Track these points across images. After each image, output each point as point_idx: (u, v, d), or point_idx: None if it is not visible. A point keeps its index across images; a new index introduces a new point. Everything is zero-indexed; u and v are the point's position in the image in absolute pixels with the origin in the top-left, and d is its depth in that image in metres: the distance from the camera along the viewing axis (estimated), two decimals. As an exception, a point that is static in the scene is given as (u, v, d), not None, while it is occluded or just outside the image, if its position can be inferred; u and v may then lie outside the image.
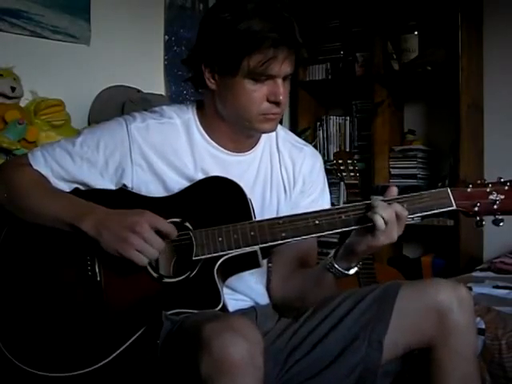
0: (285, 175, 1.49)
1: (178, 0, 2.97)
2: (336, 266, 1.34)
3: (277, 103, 1.33)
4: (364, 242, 1.28)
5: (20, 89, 2.21)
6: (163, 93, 2.86)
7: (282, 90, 1.33)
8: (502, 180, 1.35)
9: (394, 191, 1.32)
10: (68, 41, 2.49)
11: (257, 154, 1.47)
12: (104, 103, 2.50)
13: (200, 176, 1.39)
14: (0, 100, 2.16)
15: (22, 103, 2.27)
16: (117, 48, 2.68)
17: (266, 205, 1.46)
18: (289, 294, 1.47)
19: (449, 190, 1.34)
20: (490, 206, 1.33)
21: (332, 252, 1.36)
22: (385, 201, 1.29)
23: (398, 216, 1.25)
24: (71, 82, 2.47)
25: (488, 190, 1.34)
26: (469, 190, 1.34)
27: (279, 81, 1.32)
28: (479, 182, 1.36)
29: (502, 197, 1.33)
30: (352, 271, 1.35)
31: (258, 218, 1.34)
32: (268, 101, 1.33)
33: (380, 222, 1.24)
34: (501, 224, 1.33)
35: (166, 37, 2.93)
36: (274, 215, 1.44)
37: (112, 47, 2.65)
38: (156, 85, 2.85)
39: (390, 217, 1.24)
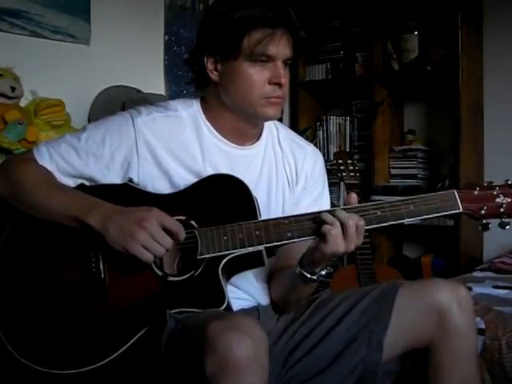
0: (288, 171, 1.50)
1: (178, 0, 2.97)
2: (302, 272, 1.33)
3: (279, 85, 1.35)
4: (318, 249, 1.27)
5: (20, 89, 2.21)
6: (163, 93, 2.86)
7: (283, 73, 1.36)
8: (510, 182, 1.34)
9: (353, 199, 1.32)
10: (68, 41, 2.49)
11: (260, 148, 1.48)
12: (104, 103, 2.51)
13: (209, 169, 1.39)
14: (0, 100, 2.16)
15: (22, 103, 2.27)
16: (117, 48, 2.68)
17: (272, 199, 1.46)
18: (275, 293, 1.47)
19: (455, 193, 1.32)
20: (497, 209, 1.32)
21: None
22: (346, 209, 1.29)
23: (343, 224, 1.25)
24: (71, 82, 2.47)
25: (495, 192, 1.32)
26: (475, 192, 1.32)
27: (279, 63, 1.35)
28: (486, 184, 1.35)
29: (509, 200, 1.31)
30: (315, 276, 1.33)
31: (264, 212, 1.35)
32: (269, 83, 1.35)
33: (327, 228, 1.25)
34: (507, 227, 1.31)
35: (166, 37, 2.93)
36: (280, 209, 1.45)
37: (112, 47, 2.65)
38: (156, 85, 2.85)
39: (335, 225, 1.25)
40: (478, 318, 1.73)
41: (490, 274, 2.55)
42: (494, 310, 1.86)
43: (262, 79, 1.35)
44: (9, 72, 2.20)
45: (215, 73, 1.39)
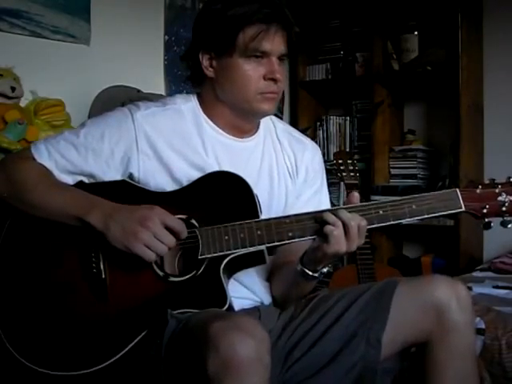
0: (288, 162, 1.51)
1: (178, 0, 2.97)
2: (304, 269, 1.34)
3: (274, 80, 1.37)
4: (320, 249, 1.28)
5: (20, 89, 2.21)
6: (163, 93, 2.86)
7: (278, 68, 1.37)
8: None
9: (355, 198, 1.32)
10: (68, 41, 2.49)
11: (259, 140, 1.49)
12: (104, 103, 2.50)
13: (210, 162, 1.39)
14: (0, 100, 2.15)
15: (22, 103, 2.26)
16: (117, 48, 2.67)
17: (274, 190, 1.46)
18: (276, 289, 1.47)
19: (458, 191, 1.32)
20: (499, 208, 1.31)
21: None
22: (348, 208, 1.29)
23: (346, 225, 1.25)
24: (71, 82, 2.46)
25: (497, 190, 1.32)
26: (478, 191, 1.32)
27: (274, 59, 1.36)
28: (488, 181, 1.34)
29: (511, 198, 1.32)
30: (317, 274, 1.34)
31: (267, 204, 1.35)
32: (264, 79, 1.37)
33: (329, 229, 1.25)
34: (509, 226, 1.31)
35: (166, 37, 2.93)
36: (282, 200, 1.46)
37: (112, 47, 2.65)
38: (156, 85, 2.84)
39: (337, 225, 1.25)
40: (478, 318, 1.73)
41: (490, 274, 2.56)
42: (493, 310, 1.86)
43: (257, 75, 1.36)
44: (9, 72, 2.20)
45: (210, 69, 1.40)
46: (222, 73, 1.39)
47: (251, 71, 1.36)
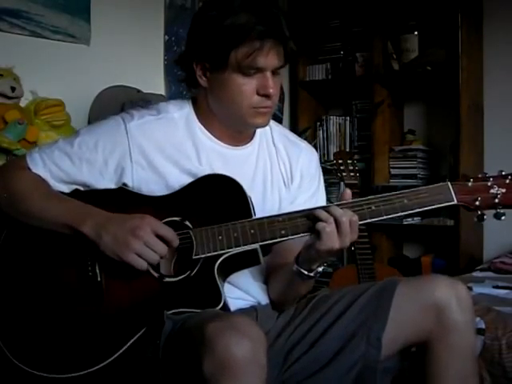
0: (283, 169, 1.50)
1: (178, 0, 2.97)
2: (299, 269, 1.34)
3: (267, 96, 1.35)
4: (313, 246, 1.28)
5: (20, 89, 2.21)
6: (163, 93, 2.86)
7: (272, 83, 1.34)
8: (503, 173, 1.34)
9: (347, 194, 1.32)
10: (68, 41, 2.49)
11: (254, 147, 1.48)
12: (104, 103, 2.50)
13: (203, 169, 1.39)
14: (0, 100, 2.16)
15: (22, 103, 2.27)
16: (117, 48, 2.68)
17: (267, 197, 1.46)
18: (273, 291, 1.47)
19: (449, 185, 1.33)
20: (491, 200, 1.32)
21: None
22: (339, 205, 1.29)
23: (337, 221, 1.25)
24: (71, 82, 2.46)
25: (489, 183, 1.33)
26: (470, 184, 1.33)
27: (268, 74, 1.34)
28: (480, 175, 1.35)
29: (503, 190, 1.32)
30: (313, 273, 1.34)
31: (259, 210, 1.35)
32: (258, 94, 1.35)
33: (321, 225, 1.25)
34: (502, 218, 1.32)
35: (166, 37, 2.93)
36: (276, 207, 1.45)
37: (112, 47, 2.65)
38: (156, 85, 2.85)
39: (330, 221, 1.25)
40: (478, 318, 1.73)
41: (490, 274, 2.56)
42: (493, 310, 1.86)
43: (250, 89, 1.34)
44: (9, 72, 2.20)
45: (204, 79, 1.39)
46: (216, 85, 1.37)
47: (244, 86, 1.34)
